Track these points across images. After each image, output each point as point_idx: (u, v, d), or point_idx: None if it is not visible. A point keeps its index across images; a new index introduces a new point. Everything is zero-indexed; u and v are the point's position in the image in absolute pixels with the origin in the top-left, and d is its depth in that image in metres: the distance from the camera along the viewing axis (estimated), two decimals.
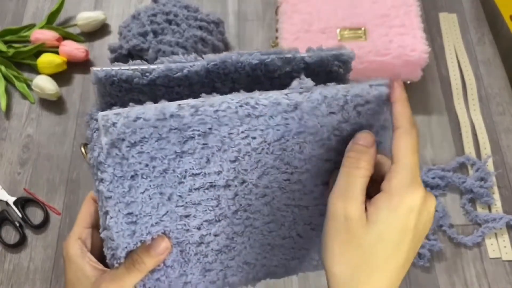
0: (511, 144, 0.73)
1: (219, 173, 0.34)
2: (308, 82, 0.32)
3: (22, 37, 0.82)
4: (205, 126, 0.31)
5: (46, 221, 0.68)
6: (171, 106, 0.30)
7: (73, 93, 0.79)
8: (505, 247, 0.65)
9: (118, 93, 0.35)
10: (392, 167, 0.31)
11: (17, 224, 0.68)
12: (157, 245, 0.34)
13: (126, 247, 0.34)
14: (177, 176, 0.33)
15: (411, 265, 0.65)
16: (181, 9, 0.74)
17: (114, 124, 0.29)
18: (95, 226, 0.40)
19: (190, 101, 0.31)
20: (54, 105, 0.78)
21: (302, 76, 0.33)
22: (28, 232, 0.68)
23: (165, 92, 0.35)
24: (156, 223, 0.34)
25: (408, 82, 0.76)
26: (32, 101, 0.78)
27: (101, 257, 0.38)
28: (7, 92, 0.79)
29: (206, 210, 0.35)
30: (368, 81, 0.34)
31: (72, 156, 0.73)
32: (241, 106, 0.31)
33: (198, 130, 0.31)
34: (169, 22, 0.72)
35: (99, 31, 0.84)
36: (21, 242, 0.67)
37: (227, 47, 0.81)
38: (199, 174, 0.33)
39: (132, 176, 0.32)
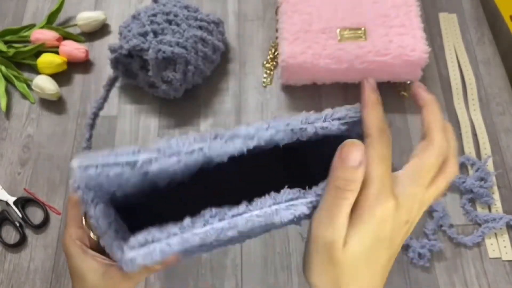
0: (511, 144, 0.73)
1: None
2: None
3: (22, 37, 0.82)
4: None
5: (46, 221, 0.68)
6: (193, 241, 0.30)
7: (73, 93, 0.79)
8: (505, 247, 0.65)
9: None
10: (363, 180, 0.30)
11: (17, 224, 0.68)
12: None
13: None
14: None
15: (411, 264, 0.66)
16: (181, 9, 0.74)
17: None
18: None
19: (213, 231, 0.30)
20: (54, 105, 0.78)
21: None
22: (28, 232, 0.68)
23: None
24: None
25: (408, 82, 0.76)
26: (32, 101, 0.78)
27: (100, 249, 0.39)
28: (7, 92, 0.79)
29: None
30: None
31: (72, 156, 0.73)
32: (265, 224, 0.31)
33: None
34: (169, 22, 0.72)
35: (99, 31, 0.84)
36: (21, 242, 0.67)
37: (227, 47, 0.81)
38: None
39: None
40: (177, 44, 0.70)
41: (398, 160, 0.78)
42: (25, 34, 0.82)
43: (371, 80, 0.32)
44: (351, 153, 0.29)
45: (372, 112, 0.31)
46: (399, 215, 0.30)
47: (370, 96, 0.31)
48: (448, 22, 0.84)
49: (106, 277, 0.38)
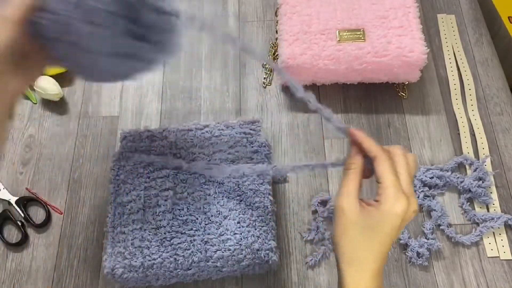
0: (509, 144, 0.73)
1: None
2: None
3: None
4: None
5: (48, 220, 0.69)
6: None
7: (74, 94, 0.80)
8: (503, 246, 0.66)
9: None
10: (380, 186, 0.42)
11: (19, 223, 0.68)
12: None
13: None
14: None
15: (410, 264, 0.66)
16: None
17: None
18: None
19: None
20: (56, 105, 0.78)
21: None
22: (30, 231, 0.69)
23: None
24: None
25: (407, 82, 0.77)
26: (35, 101, 0.79)
27: None
28: None
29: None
30: None
31: (74, 155, 0.74)
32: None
33: None
34: None
35: None
36: (23, 241, 0.68)
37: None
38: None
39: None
40: None
41: None
42: None
43: (359, 132, 0.45)
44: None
45: (368, 141, 0.44)
46: (408, 210, 0.42)
47: (362, 134, 0.45)
48: (447, 23, 0.84)
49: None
